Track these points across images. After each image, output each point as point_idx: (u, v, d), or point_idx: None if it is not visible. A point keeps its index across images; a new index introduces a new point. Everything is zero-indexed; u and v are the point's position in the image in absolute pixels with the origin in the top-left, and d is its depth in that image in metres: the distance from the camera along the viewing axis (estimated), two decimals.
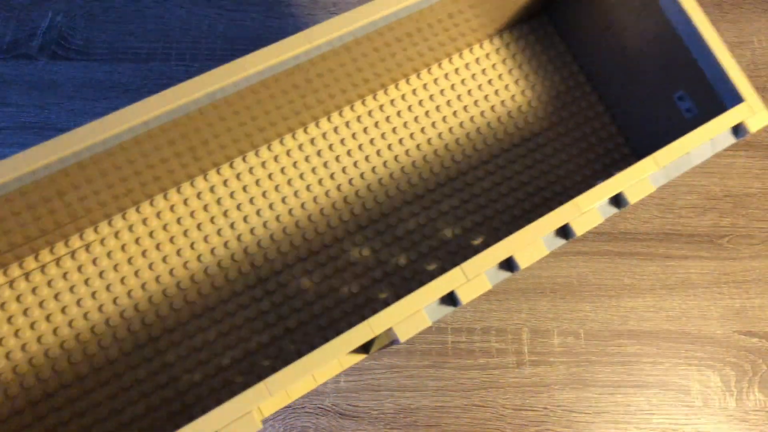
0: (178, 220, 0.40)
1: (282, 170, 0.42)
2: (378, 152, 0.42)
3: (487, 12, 0.39)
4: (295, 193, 0.42)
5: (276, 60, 0.30)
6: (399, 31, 0.35)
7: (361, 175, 0.42)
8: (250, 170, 0.42)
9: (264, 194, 0.41)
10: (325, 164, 0.42)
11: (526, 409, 0.44)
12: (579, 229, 0.27)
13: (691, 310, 0.48)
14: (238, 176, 0.41)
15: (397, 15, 0.32)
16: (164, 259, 0.39)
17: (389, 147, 0.43)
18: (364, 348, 0.30)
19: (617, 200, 0.29)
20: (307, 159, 0.42)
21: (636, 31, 0.34)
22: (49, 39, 0.55)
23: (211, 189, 0.41)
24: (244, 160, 0.41)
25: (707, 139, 0.28)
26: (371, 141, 0.43)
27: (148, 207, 0.40)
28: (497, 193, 0.42)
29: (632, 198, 0.28)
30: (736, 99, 0.30)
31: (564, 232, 0.28)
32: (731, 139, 0.30)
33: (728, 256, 0.49)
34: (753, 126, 0.29)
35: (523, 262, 0.27)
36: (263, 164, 0.42)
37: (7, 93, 0.52)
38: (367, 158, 0.42)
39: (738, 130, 0.30)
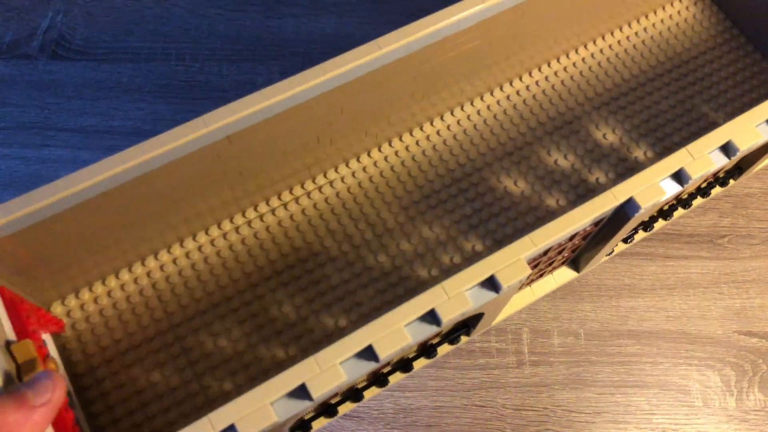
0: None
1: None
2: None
3: None
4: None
5: None
6: None
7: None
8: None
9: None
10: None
11: (526, 409, 0.44)
12: (693, 172, 0.33)
13: (691, 310, 0.48)
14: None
15: None
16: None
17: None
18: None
19: (726, 149, 0.34)
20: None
21: None
22: (49, 39, 0.55)
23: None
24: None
25: None
26: None
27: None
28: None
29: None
30: None
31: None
32: None
33: (728, 256, 0.49)
34: None
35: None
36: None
37: (7, 93, 0.52)
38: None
39: None
